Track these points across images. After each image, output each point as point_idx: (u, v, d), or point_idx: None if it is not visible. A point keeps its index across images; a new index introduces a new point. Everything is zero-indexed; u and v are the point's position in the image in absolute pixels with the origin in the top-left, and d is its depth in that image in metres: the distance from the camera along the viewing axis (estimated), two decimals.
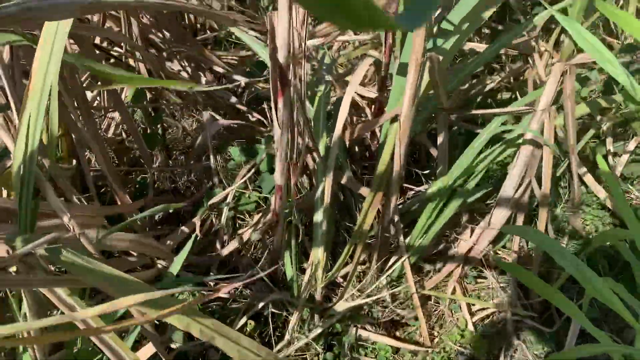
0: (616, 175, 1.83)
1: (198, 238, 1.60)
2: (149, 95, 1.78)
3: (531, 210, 1.67)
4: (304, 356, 1.51)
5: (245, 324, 1.49)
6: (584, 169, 1.83)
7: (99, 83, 1.47)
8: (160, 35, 1.72)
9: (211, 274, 1.61)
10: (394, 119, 1.43)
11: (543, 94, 1.38)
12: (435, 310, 1.69)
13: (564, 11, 1.43)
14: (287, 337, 1.48)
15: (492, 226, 1.62)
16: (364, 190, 1.56)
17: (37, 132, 0.91)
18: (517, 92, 2.03)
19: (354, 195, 1.74)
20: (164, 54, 1.78)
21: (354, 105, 1.72)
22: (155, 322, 1.41)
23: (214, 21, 2.22)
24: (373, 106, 1.69)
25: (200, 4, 2.15)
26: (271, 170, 1.70)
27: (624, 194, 1.84)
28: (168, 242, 1.58)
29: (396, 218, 1.53)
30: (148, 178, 1.74)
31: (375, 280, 1.60)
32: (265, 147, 1.72)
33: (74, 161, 1.52)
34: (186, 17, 2.02)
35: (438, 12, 1.47)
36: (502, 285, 1.69)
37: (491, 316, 1.68)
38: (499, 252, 1.75)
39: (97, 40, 1.67)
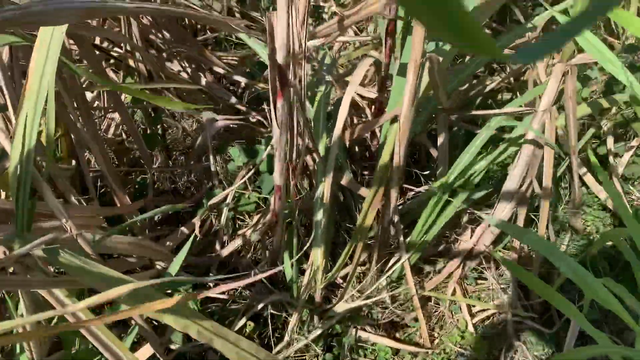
0: (617, 175, 1.83)
1: (197, 239, 1.60)
2: None
3: (532, 210, 1.66)
4: (304, 357, 1.51)
5: (245, 325, 1.49)
6: (585, 170, 1.82)
7: (99, 84, 1.47)
8: (160, 36, 1.72)
9: (210, 274, 1.61)
10: (394, 119, 1.43)
11: (544, 94, 1.38)
12: (435, 312, 1.69)
13: (566, 12, 1.43)
14: (286, 338, 1.48)
15: (492, 227, 1.62)
16: (364, 191, 1.55)
17: (33, 132, 0.90)
18: (518, 93, 2.03)
19: (354, 195, 1.74)
20: (164, 54, 1.78)
21: (354, 105, 1.71)
22: (155, 323, 1.41)
23: (216, 26, 2.22)
24: (373, 107, 1.68)
25: (200, 6, 2.15)
26: (271, 171, 1.69)
27: (625, 194, 1.83)
28: (167, 243, 1.57)
29: (396, 219, 1.53)
30: (148, 178, 1.74)
31: (375, 281, 1.59)
32: (265, 148, 1.72)
33: (74, 162, 1.52)
34: (186, 18, 2.02)
35: None
36: (502, 286, 1.68)
37: (491, 317, 1.68)
38: (500, 252, 1.74)
39: (97, 41, 1.67)
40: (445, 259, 1.73)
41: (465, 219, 1.76)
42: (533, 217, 1.68)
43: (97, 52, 1.58)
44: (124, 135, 1.88)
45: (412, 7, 0.21)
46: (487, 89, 1.92)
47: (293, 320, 1.48)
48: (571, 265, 1.07)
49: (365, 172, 1.80)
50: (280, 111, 1.11)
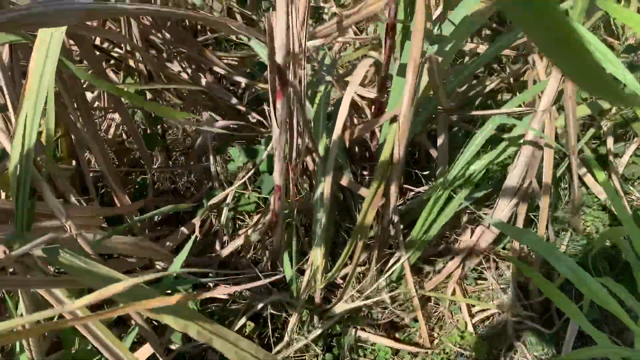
0: (617, 175, 1.83)
1: (198, 239, 1.60)
2: (149, 96, 1.78)
3: (532, 211, 1.66)
4: (303, 357, 1.51)
5: (245, 325, 1.49)
6: (585, 170, 1.82)
7: (96, 85, 1.47)
8: (160, 36, 1.72)
9: (210, 274, 1.61)
10: (394, 119, 1.43)
11: (544, 94, 1.38)
12: (435, 312, 1.69)
13: (566, 13, 1.43)
14: (286, 338, 1.48)
15: (492, 227, 1.62)
16: (364, 191, 1.56)
17: (33, 132, 0.91)
18: (518, 93, 2.03)
19: (353, 196, 1.74)
20: (164, 55, 1.78)
21: (354, 106, 1.72)
22: (154, 323, 1.41)
23: (215, 27, 2.22)
24: (373, 107, 1.68)
25: (200, 7, 2.16)
26: (271, 171, 1.69)
27: (625, 195, 1.83)
28: (167, 243, 1.58)
29: (396, 219, 1.53)
30: (148, 179, 1.74)
31: (375, 281, 1.59)
32: (265, 148, 1.72)
33: (74, 162, 1.52)
34: (186, 19, 2.02)
35: (438, 13, 1.47)
36: (502, 286, 1.69)
37: (491, 318, 1.68)
38: (499, 253, 1.75)
39: (97, 41, 1.67)
40: (445, 259, 1.73)
41: (465, 219, 1.76)
42: (533, 217, 1.69)
43: (98, 53, 1.59)
44: (124, 136, 1.89)
45: (566, 69, 0.26)
46: (487, 89, 1.92)
47: (293, 320, 1.48)
48: (570, 265, 1.08)
49: (365, 172, 1.80)
50: (280, 111, 1.12)
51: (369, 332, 1.60)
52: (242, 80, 1.91)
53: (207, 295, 0.88)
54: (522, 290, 1.66)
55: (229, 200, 1.64)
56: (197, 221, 1.57)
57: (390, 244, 1.63)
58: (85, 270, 0.87)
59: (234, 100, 1.84)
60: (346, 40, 1.96)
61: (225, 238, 1.66)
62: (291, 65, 1.08)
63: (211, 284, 1.52)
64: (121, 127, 1.86)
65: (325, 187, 1.44)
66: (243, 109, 1.83)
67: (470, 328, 1.63)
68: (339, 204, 1.74)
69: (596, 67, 0.25)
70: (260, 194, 1.70)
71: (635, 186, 1.94)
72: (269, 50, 1.00)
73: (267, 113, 1.69)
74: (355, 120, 1.76)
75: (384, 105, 1.59)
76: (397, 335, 1.64)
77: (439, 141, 1.68)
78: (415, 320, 1.63)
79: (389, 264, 1.58)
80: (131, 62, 1.66)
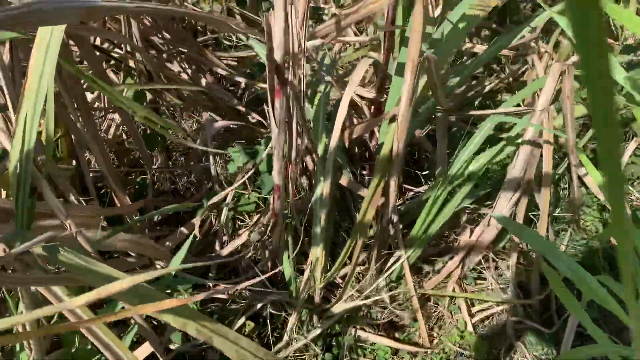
0: None
1: (197, 239, 1.61)
2: (149, 97, 1.78)
3: (531, 210, 1.67)
4: (303, 357, 1.51)
5: (244, 325, 1.50)
6: (584, 170, 1.82)
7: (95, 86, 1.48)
8: (160, 37, 1.73)
9: (210, 274, 1.61)
10: (393, 119, 1.44)
11: (542, 93, 1.38)
12: (434, 312, 1.69)
13: (563, 13, 1.43)
14: (285, 337, 1.48)
15: (491, 227, 1.62)
16: (364, 191, 1.56)
17: (33, 131, 0.91)
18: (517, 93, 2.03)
19: (353, 196, 1.74)
20: (164, 55, 1.79)
21: (353, 106, 1.72)
22: (154, 322, 1.41)
23: (215, 26, 2.23)
24: (372, 107, 1.69)
25: (195, 3, 2.16)
26: (271, 171, 1.70)
27: (625, 195, 1.83)
28: (167, 243, 1.58)
29: (395, 218, 1.53)
30: (148, 179, 1.75)
31: (374, 281, 1.60)
32: (265, 148, 1.72)
33: (74, 162, 1.53)
34: (186, 19, 2.03)
35: (437, 13, 1.48)
36: (501, 286, 1.69)
37: (491, 317, 1.68)
38: (499, 253, 1.75)
39: (98, 42, 1.68)
40: (444, 259, 1.73)
41: (464, 218, 1.77)
42: (532, 216, 1.69)
43: (98, 53, 1.59)
44: (124, 136, 1.89)
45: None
46: (486, 89, 1.92)
47: (292, 320, 1.48)
48: (570, 264, 1.08)
49: (365, 172, 1.80)
50: (279, 110, 1.12)
51: (369, 332, 1.60)
52: (242, 81, 1.92)
53: (207, 295, 0.88)
54: (522, 290, 1.66)
55: (228, 200, 1.64)
56: (196, 221, 1.58)
57: (389, 244, 1.64)
58: (85, 269, 0.88)
59: (234, 101, 1.85)
60: (346, 40, 1.96)
61: (225, 238, 1.66)
62: (290, 65, 1.09)
63: (211, 284, 1.52)
64: (121, 127, 1.86)
65: (324, 186, 1.44)
66: (243, 109, 1.83)
67: (469, 328, 1.63)
68: (339, 204, 1.75)
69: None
70: (260, 194, 1.70)
71: (634, 186, 1.94)
72: (267, 49, 1.01)
73: (266, 113, 1.69)
74: (355, 121, 1.76)
75: (383, 106, 1.60)
76: (396, 334, 1.64)
77: (438, 141, 1.68)
78: (415, 319, 1.63)
79: (389, 264, 1.59)
80: (131, 63, 1.67)
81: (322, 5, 2.41)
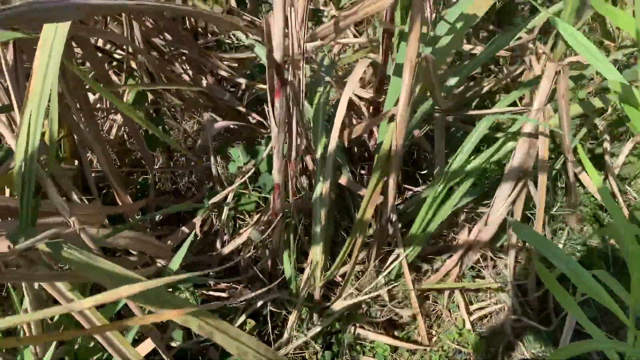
0: (614, 175, 1.84)
1: (198, 238, 1.63)
2: (150, 97, 1.80)
3: (528, 209, 1.68)
4: (303, 354, 1.53)
5: (245, 323, 1.51)
6: (581, 169, 1.84)
7: (102, 85, 1.50)
8: (162, 38, 1.75)
9: (211, 273, 1.63)
10: (391, 118, 1.45)
11: (537, 93, 1.40)
12: (433, 310, 1.71)
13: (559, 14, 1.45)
14: (286, 335, 1.50)
15: (489, 225, 1.64)
16: (363, 191, 1.57)
17: (37, 130, 0.93)
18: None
19: (353, 195, 1.76)
20: (166, 56, 1.80)
21: (352, 106, 1.74)
22: None
23: (215, 25, 2.25)
24: (371, 107, 1.71)
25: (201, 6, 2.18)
26: (271, 170, 1.71)
27: (622, 194, 1.85)
28: (168, 242, 1.59)
29: (394, 217, 1.55)
30: (149, 179, 1.76)
31: (374, 279, 1.61)
32: (265, 148, 1.74)
33: (76, 162, 1.55)
34: (187, 20, 2.05)
35: (435, 14, 1.50)
36: (500, 285, 1.70)
37: (489, 315, 1.69)
38: (497, 251, 1.76)
39: (100, 43, 1.69)
40: (443, 258, 1.75)
41: (462, 217, 1.78)
42: (530, 215, 1.70)
43: (100, 54, 1.61)
44: (125, 136, 1.91)
45: None
46: (484, 90, 1.94)
47: (292, 318, 1.50)
48: (565, 260, 1.09)
49: (364, 172, 1.82)
50: (278, 109, 1.14)
51: (368, 330, 1.61)
52: (243, 82, 1.93)
53: (208, 293, 0.89)
54: (520, 289, 1.68)
55: (229, 199, 1.66)
56: (197, 220, 1.59)
57: (388, 242, 1.65)
58: (88, 265, 0.89)
59: (235, 102, 1.87)
60: (345, 42, 1.98)
61: (226, 237, 1.68)
62: (290, 65, 1.11)
63: (212, 282, 1.54)
64: (123, 128, 1.88)
65: (324, 186, 1.46)
66: (243, 109, 1.85)
67: (468, 326, 1.64)
68: (339, 204, 1.76)
69: None
70: (260, 193, 1.72)
71: (631, 185, 1.96)
72: (267, 50, 1.03)
73: (267, 113, 1.71)
74: (354, 121, 1.78)
75: (381, 106, 1.61)
76: (395, 332, 1.66)
77: (436, 141, 1.70)
78: (414, 318, 1.64)
79: (388, 262, 1.60)
80: (133, 64, 1.69)
81: (321, 8, 2.43)
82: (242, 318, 1.50)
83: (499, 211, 1.60)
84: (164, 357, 1.19)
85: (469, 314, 1.68)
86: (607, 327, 1.63)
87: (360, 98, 1.72)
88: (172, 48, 1.77)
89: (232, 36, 2.32)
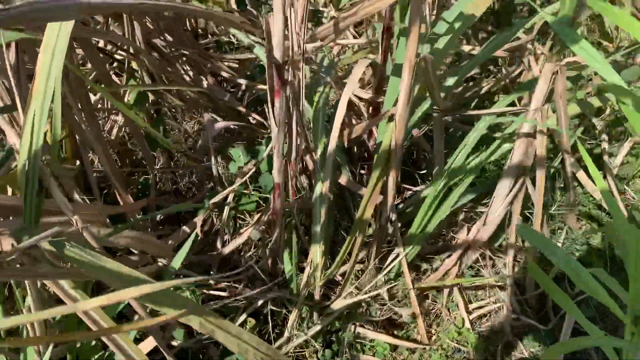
0: (612, 174, 1.85)
1: (199, 238, 1.63)
2: (151, 98, 1.81)
3: (527, 209, 1.69)
4: (303, 353, 1.53)
5: (245, 321, 1.52)
6: (580, 169, 1.85)
7: (103, 86, 1.51)
8: (163, 39, 1.76)
9: (211, 272, 1.63)
10: (390, 118, 1.46)
11: (535, 93, 1.41)
12: (432, 309, 1.71)
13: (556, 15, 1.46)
14: (286, 334, 1.51)
15: (488, 225, 1.65)
16: (363, 190, 1.58)
17: (41, 130, 0.94)
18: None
19: (352, 195, 1.77)
20: (166, 57, 1.81)
21: (352, 107, 1.75)
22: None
23: (215, 23, 2.26)
24: (370, 107, 1.72)
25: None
26: (271, 170, 1.72)
27: (620, 194, 1.86)
28: (169, 241, 1.60)
29: (393, 216, 1.56)
30: (150, 179, 1.77)
31: (373, 278, 1.62)
32: (266, 148, 1.75)
33: (78, 162, 1.55)
34: (187, 22, 2.06)
35: (434, 15, 1.51)
36: (499, 284, 1.71)
37: (488, 314, 1.70)
38: (496, 250, 1.77)
39: (101, 44, 1.70)
40: (442, 257, 1.75)
41: (461, 217, 1.79)
42: (528, 215, 1.71)
43: (101, 55, 1.62)
44: (126, 137, 1.92)
45: None
46: (483, 90, 1.95)
47: (293, 317, 1.50)
48: (563, 257, 1.10)
49: (363, 172, 1.83)
50: (278, 109, 1.15)
51: (368, 329, 1.62)
52: (243, 82, 1.94)
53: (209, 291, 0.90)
54: (519, 288, 1.69)
55: (229, 199, 1.67)
56: (198, 220, 1.60)
57: (388, 242, 1.66)
58: (90, 263, 0.90)
59: (235, 102, 1.88)
60: (345, 43, 1.99)
61: (227, 237, 1.69)
62: (289, 65, 1.12)
63: (212, 281, 1.55)
64: (124, 128, 1.89)
65: (324, 185, 1.47)
66: (243, 110, 1.86)
67: (467, 324, 1.65)
68: (338, 204, 1.77)
69: None
70: (260, 192, 1.73)
71: (630, 185, 1.97)
72: (267, 49, 1.04)
73: (267, 114, 1.72)
74: (354, 121, 1.79)
75: (381, 106, 1.62)
76: (395, 331, 1.66)
77: (435, 141, 1.71)
78: (413, 316, 1.65)
79: (387, 261, 1.61)
80: (134, 65, 1.70)
81: (321, 8, 2.44)
82: (243, 317, 1.51)
83: (497, 211, 1.61)
84: (166, 356, 1.20)
85: (468, 312, 1.68)
86: (606, 326, 1.64)
87: (360, 98, 1.73)
88: (172, 49, 1.78)
89: (232, 37, 2.33)
